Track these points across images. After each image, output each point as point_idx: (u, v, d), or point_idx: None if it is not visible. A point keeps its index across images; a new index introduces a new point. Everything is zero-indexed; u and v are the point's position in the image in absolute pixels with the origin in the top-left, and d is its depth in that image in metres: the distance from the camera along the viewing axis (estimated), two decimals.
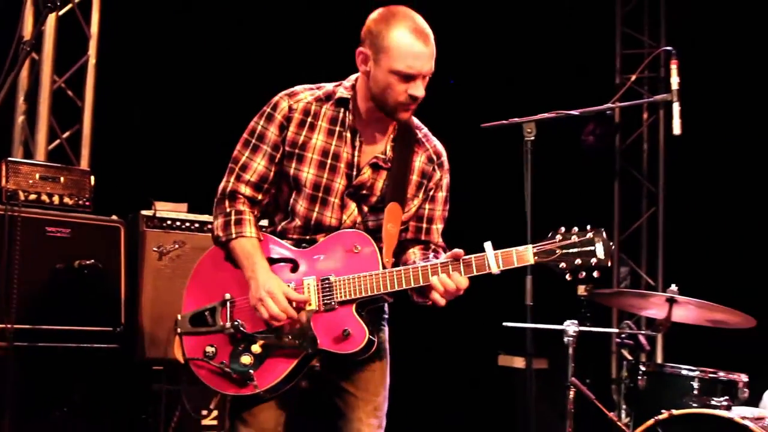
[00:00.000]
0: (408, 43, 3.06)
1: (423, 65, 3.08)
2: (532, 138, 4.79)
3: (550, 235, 3.05)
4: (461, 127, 5.36)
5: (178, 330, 3.19)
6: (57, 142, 5.23)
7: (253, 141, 3.23)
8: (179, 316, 3.22)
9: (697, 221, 7.07)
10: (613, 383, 7.06)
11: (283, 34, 6.11)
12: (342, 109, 3.22)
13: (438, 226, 3.40)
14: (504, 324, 5.08)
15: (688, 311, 4.63)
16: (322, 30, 6.08)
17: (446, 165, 3.40)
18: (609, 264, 3.00)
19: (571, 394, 4.63)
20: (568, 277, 3.02)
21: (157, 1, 5.63)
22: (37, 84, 5.13)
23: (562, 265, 3.01)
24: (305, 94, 3.25)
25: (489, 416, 6.47)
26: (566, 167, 6.88)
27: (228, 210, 3.21)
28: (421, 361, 6.33)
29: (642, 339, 5.08)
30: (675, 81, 4.88)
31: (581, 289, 5.29)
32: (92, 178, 4.49)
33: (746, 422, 4.00)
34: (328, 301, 3.11)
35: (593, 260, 2.99)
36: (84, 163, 5.15)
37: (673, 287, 4.53)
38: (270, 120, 3.22)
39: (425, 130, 3.38)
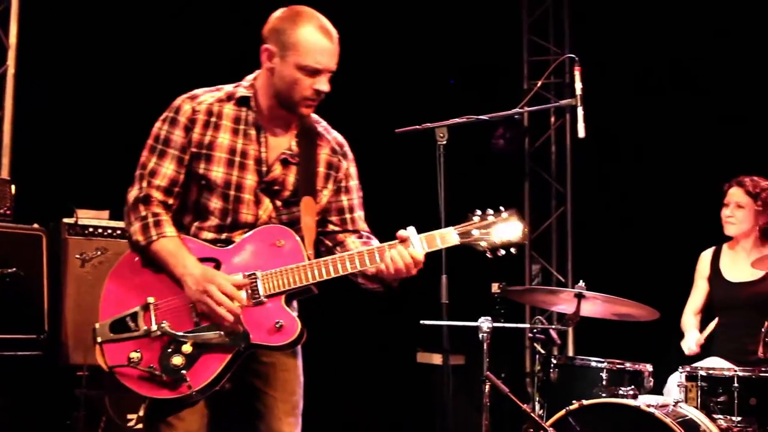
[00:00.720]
0: (315, 40, 3.10)
1: (329, 61, 3.12)
2: (445, 142, 4.87)
3: (468, 217, 3.12)
4: (377, 132, 5.42)
5: (98, 339, 3.11)
6: None
7: (159, 146, 3.19)
8: (97, 325, 3.13)
9: (603, 220, 7.20)
10: (526, 376, 7.15)
11: (196, 43, 6.09)
12: (244, 108, 3.22)
13: (360, 213, 3.41)
14: (421, 322, 5.06)
15: (595, 306, 4.73)
16: (231, 35, 6.05)
17: (350, 154, 3.43)
18: (525, 241, 3.13)
19: (487, 388, 4.62)
20: (489, 255, 3.09)
21: (74, 11, 5.53)
22: None
23: (483, 243, 3.08)
24: (206, 96, 3.23)
25: (408, 411, 6.49)
26: (478, 170, 6.93)
27: (144, 213, 3.15)
28: (341, 360, 6.33)
29: (553, 333, 5.10)
30: (578, 86, 5.00)
31: (495, 287, 5.32)
32: (12, 187, 4.43)
33: (651, 410, 4.09)
34: (257, 296, 3.09)
35: (510, 238, 3.08)
36: (4, 173, 5.06)
37: (581, 283, 4.63)
38: (174, 124, 3.18)
39: (324, 123, 3.40)
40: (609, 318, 4.89)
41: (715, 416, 4.40)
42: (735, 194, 5.14)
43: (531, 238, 7.65)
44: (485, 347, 4.71)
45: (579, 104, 5.00)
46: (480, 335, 4.75)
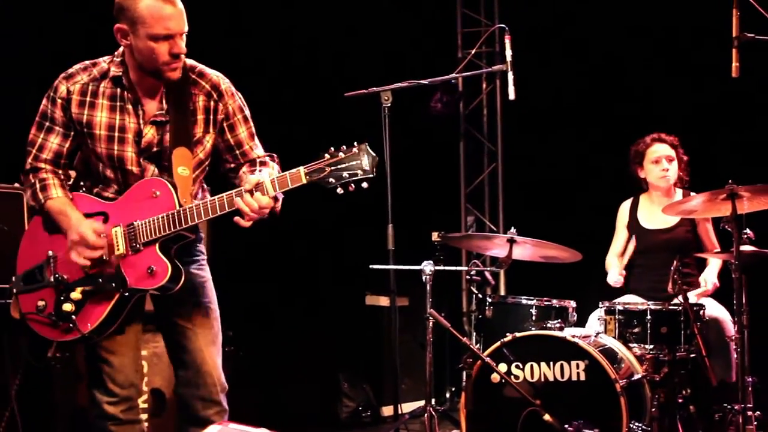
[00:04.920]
0: (158, 9, 3.03)
1: (177, 25, 3.06)
2: (389, 105, 4.92)
3: (320, 155, 2.93)
4: (327, 96, 5.42)
5: (14, 290, 3.19)
6: None
7: (45, 123, 3.22)
8: (13, 278, 3.21)
9: (530, 174, 7.24)
10: (464, 315, 7.20)
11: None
12: (119, 88, 3.19)
13: (250, 144, 3.34)
14: (370, 267, 5.12)
15: (525, 249, 4.81)
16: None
17: (229, 91, 3.31)
18: (374, 173, 2.91)
19: (430, 325, 4.67)
20: (339, 190, 2.90)
21: None
22: None
23: (331, 179, 2.89)
24: (82, 75, 3.21)
25: (359, 349, 6.54)
26: (418, 130, 6.95)
27: (33, 181, 3.21)
28: (296, 303, 6.35)
29: (488, 275, 5.17)
30: (508, 54, 5.09)
31: (435, 235, 5.34)
32: None
33: (575, 340, 4.18)
34: (134, 245, 3.10)
35: (359, 172, 2.89)
36: None
37: (513, 230, 4.67)
38: (54, 103, 3.20)
39: (200, 67, 3.30)
40: (537, 260, 4.98)
41: (630, 345, 4.50)
42: (663, 150, 5.20)
43: (466, 192, 7.67)
44: (428, 289, 4.77)
45: (509, 69, 5.08)
46: (423, 278, 4.81)
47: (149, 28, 3.04)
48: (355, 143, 2.94)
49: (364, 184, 2.92)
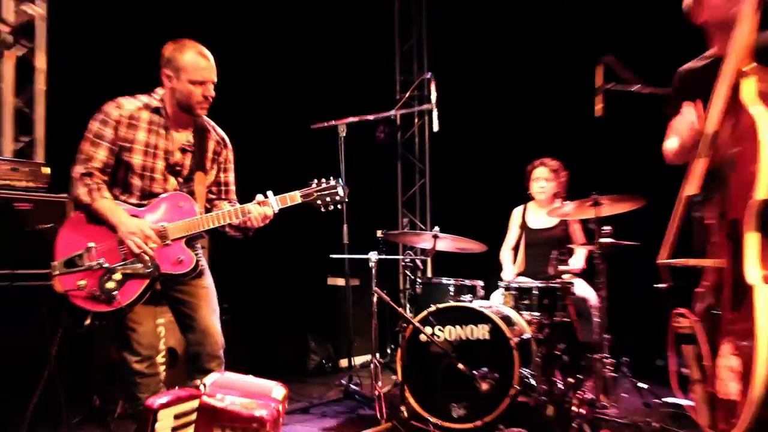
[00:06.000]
0: (197, 61, 3.14)
1: (209, 75, 3.16)
2: (344, 134, 4.98)
3: (309, 183, 3.16)
4: (297, 127, 5.43)
5: (55, 273, 3.12)
6: (19, 144, 5.01)
7: (95, 139, 3.17)
8: (54, 263, 3.13)
9: (449, 187, 7.33)
10: (400, 292, 7.29)
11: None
12: (156, 115, 3.22)
13: (233, 188, 3.44)
14: (331, 256, 5.18)
15: (446, 243, 4.84)
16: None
17: (229, 145, 3.42)
18: (347, 199, 3.16)
19: (375, 299, 4.71)
20: (322, 209, 3.15)
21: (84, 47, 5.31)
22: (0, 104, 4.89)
23: (318, 202, 3.14)
24: (129, 105, 3.21)
25: (323, 317, 6.52)
26: (366, 153, 6.96)
27: (89, 182, 3.14)
28: (272, 284, 6.31)
29: (418, 262, 5.16)
30: (434, 96, 5.15)
31: (379, 233, 5.28)
32: (47, 169, 4.33)
33: (482, 309, 4.19)
34: (165, 240, 3.14)
35: (337, 197, 3.15)
36: (39, 159, 4.95)
37: (436, 228, 4.71)
38: (105, 124, 3.16)
39: (213, 123, 3.38)
40: (454, 251, 4.99)
41: (521, 312, 4.55)
42: (542, 173, 5.23)
43: (402, 200, 7.74)
44: (373, 272, 4.81)
45: (434, 108, 5.15)
46: (370, 264, 4.85)
47: (189, 75, 3.13)
48: (332, 177, 3.18)
49: (339, 206, 3.17)
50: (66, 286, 3.12)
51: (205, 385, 2.61)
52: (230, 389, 2.61)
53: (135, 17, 5.33)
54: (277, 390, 2.73)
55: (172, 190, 3.23)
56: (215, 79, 3.20)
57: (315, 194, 3.13)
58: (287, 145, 6.41)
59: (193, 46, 3.16)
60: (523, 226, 5.39)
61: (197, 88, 3.14)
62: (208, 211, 3.32)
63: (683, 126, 2.83)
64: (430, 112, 5.32)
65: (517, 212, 5.49)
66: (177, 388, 2.68)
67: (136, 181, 3.21)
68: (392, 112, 5.74)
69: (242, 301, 5.64)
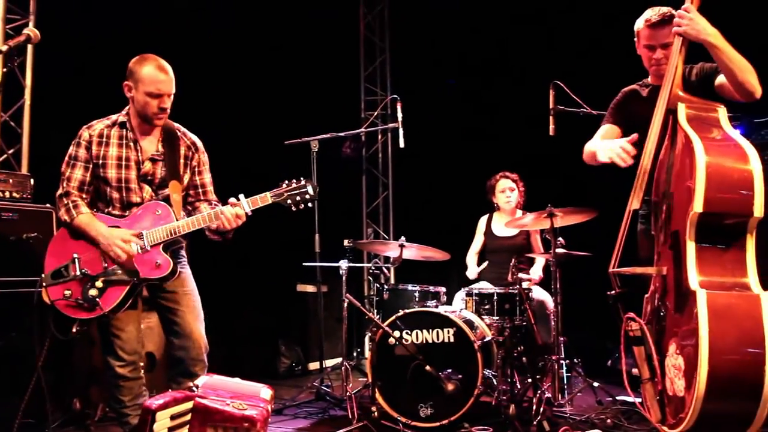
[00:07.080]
0: (154, 74, 3.14)
1: (166, 87, 3.17)
2: (316, 150, 5.03)
3: (280, 184, 3.11)
4: (272, 142, 5.44)
5: (44, 284, 3.16)
6: (4, 156, 4.95)
7: (72, 161, 3.25)
8: (42, 275, 3.16)
9: (412, 199, 7.41)
10: (366, 298, 7.20)
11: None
12: (124, 130, 3.27)
13: (210, 188, 3.42)
14: (303, 264, 5.18)
15: (411, 251, 4.86)
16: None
17: (201, 148, 3.41)
18: (317, 197, 3.10)
19: (345, 305, 4.76)
20: (293, 208, 3.10)
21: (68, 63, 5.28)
22: None
23: (288, 201, 3.09)
24: (99, 125, 3.29)
25: (293, 322, 6.51)
26: (334, 167, 6.98)
27: (66, 202, 3.22)
28: (246, 290, 6.24)
29: (384, 270, 5.27)
30: (399, 116, 5.22)
31: (347, 242, 5.32)
32: (32, 180, 4.30)
33: (446, 313, 4.17)
34: (143, 246, 3.16)
35: (307, 196, 3.09)
36: (25, 171, 4.90)
37: (403, 238, 4.74)
38: (78, 146, 3.26)
39: (183, 129, 3.39)
40: (419, 259, 5.01)
41: (483, 316, 4.58)
42: (507, 183, 5.31)
43: (367, 212, 7.76)
44: (343, 279, 4.85)
45: (400, 126, 5.24)
46: (340, 271, 4.90)
47: (146, 87, 3.16)
48: (302, 177, 3.12)
49: (310, 204, 3.11)
50: (54, 296, 3.15)
51: (197, 387, 2.64)
52: (221, 391, 2.64)
53: (116, 35, 5.30)
54: (265, 391, 2.78)
55: (148, 197, 3.25)
56: (172, 92, 3.20)
57: (285, 194, 3.10)
58: (263, 157, 6.41)
59: (154, 60, 3.17)
60: (487, 233, 5.45)
61: (153, 100, 3.16)
62: (189, 213, 3.36)
63: (609, 148, 3.05)
64: (394, 130, 5.39)
65: (482, 220, 5.55)
66: (171, 390, 2.70)
67: (115, 194, 3.25)
68: (359, 130, 5.84)
69: (214, 307, 5.56)
